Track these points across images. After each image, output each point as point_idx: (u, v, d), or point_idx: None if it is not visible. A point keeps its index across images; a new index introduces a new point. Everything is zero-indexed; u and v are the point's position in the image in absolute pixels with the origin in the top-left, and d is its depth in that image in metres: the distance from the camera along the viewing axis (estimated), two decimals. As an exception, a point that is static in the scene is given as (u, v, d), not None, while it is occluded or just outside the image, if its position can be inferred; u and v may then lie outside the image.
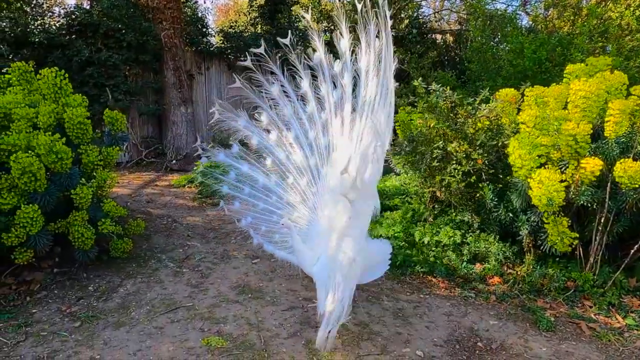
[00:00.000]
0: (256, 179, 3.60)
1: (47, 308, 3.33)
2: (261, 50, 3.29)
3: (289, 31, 3.42)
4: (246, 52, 3.44)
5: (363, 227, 2.80)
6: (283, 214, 3.39)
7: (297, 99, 3.43)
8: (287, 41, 3.19)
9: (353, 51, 3.01)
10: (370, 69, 2.79)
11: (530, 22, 10.41)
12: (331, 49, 3.18)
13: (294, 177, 3.44)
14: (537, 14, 9.81)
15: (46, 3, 9.62)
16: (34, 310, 3.28)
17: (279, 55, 3.36)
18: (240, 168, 3.63)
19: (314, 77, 3.32)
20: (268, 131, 3.52)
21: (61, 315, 3.24)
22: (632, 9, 6.31)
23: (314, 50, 3.23)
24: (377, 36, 2.72)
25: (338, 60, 3.14)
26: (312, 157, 3.34)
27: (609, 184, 3.39)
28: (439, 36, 13.95)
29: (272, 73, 3.38)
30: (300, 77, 3.35)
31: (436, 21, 14.60)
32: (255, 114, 3.52)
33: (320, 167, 3.28)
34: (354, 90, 3.04)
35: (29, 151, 3.32)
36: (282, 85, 3.43)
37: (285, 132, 3.44)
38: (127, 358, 2.73)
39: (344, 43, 3.00)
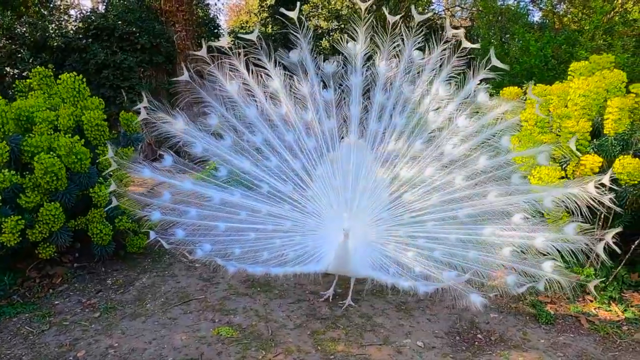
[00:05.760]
0: (209, 196, 3.18)
1: (69, 300, 3.54)
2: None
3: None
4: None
5: None
6: (273, 228, 3.20)
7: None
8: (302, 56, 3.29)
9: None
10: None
11: (542, 18, 10.35)
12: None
13: (270, 185, 3.25)
14: (549, 9, 9.73)
15: (63, 5, 9.92)
16: (56, 302, 3.50)
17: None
18: (180, 186, 3.12)
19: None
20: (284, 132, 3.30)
21: (82, 306, 3.44)
22: (640, 5, 6.31)
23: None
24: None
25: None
26: (296, 161, 3.31)
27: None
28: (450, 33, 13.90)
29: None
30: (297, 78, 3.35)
31: (446, 18, 14.55)
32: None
33: (312, 169, 3.29)
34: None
35: (51, 152, 3.53)
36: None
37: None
38: (143, 346, 2.91)
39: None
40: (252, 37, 3.20)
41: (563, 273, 2.88)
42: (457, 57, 3.21)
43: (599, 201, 3.51)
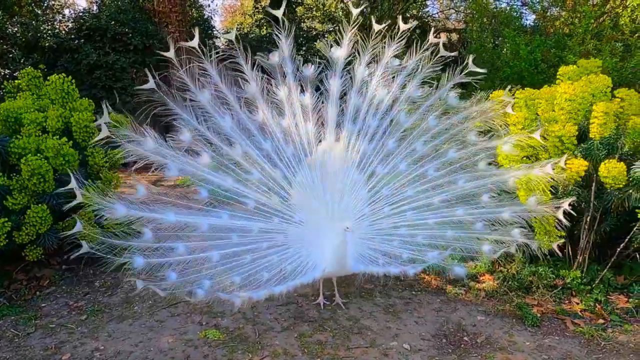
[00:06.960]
0: (196, 224, 2.86)
1: (56, 302, 3.52)
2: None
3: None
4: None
5: None
6: (268, 246, 3.09)
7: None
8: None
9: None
10: None
11: (535, 21, 10.42)
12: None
13: (256, 200, 3.15)
14: (541, 12, 9.77)
15: (56, 4, 9.87)
16: (43, 305, 3.48)
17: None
18: (163, 219, 2.72)
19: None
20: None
21: (68, 309, 3.43)
22: (629, 9, 6.36)
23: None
24: None
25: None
26: (276, 170, 3.29)
27: (594, 184, 3.48)
28: (444, 36, 14.00)
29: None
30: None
31: (440, 21, 14.65)
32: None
33: (292, 176, 3.31)
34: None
35: (38, 154, 3.52)
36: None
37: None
38: (129, 349, 2.90)
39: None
40: (230, 37, 3.14)
41: (531, 237, 3.27)
42: (433, 64, 3.57)
43: (585, 203, 3.59)
